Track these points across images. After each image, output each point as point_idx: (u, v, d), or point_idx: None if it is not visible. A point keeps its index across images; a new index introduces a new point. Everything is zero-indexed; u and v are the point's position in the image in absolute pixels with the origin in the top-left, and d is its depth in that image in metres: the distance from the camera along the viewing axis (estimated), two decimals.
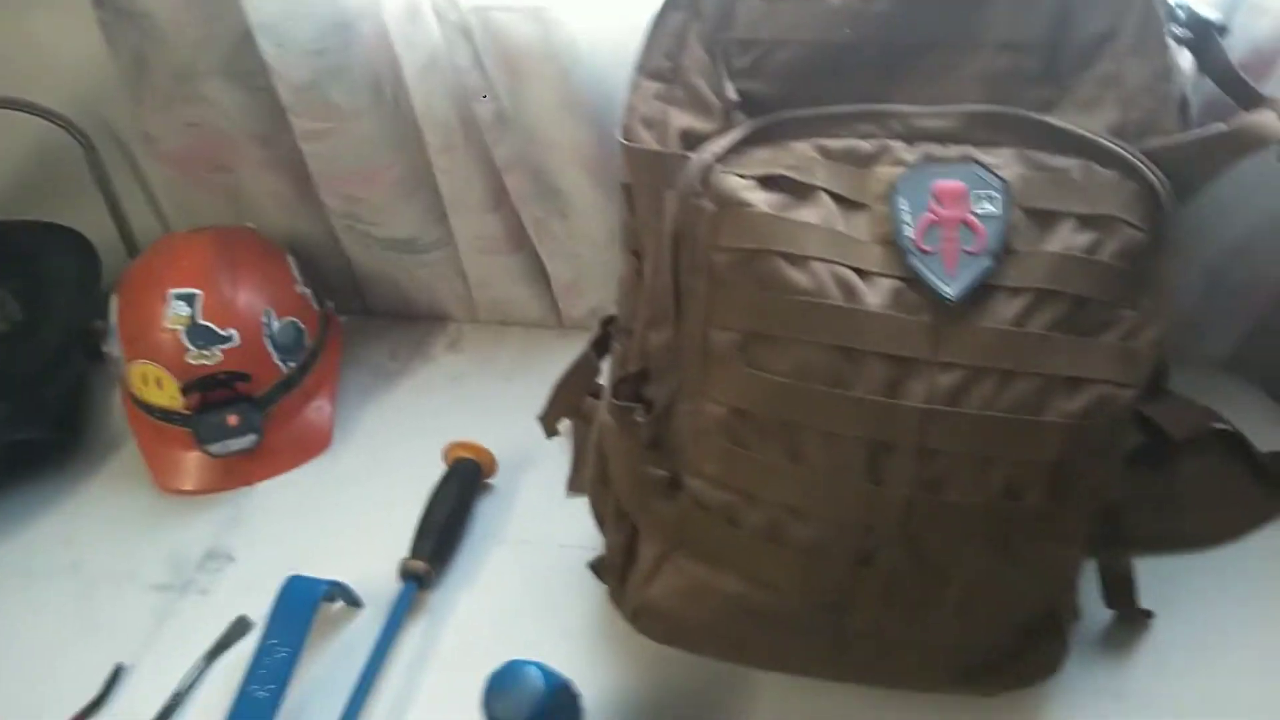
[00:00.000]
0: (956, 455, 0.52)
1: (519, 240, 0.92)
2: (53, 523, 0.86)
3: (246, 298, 0.86)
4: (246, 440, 0.84)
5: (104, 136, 0.99)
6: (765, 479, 0.55)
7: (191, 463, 0.86)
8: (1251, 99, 0.60)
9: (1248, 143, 0.54)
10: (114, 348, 0.88)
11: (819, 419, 0.52)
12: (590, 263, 0.91)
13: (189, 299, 0.84)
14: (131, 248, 1.05)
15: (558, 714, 0.57)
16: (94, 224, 1.00)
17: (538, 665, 0.56)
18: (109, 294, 0.91)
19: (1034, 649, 0.60)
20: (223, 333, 0.83)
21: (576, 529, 0.75)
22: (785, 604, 0.56)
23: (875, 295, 0.52)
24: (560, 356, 0.78)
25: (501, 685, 0.55)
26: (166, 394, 0.84)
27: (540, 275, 0.96)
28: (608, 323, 0.71)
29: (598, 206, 0.85)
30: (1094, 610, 0.69)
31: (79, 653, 0.75)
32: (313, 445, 0.90)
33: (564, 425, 0.83)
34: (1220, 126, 0.54)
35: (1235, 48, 0.67)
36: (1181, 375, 0.76)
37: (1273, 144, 0.54)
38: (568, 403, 0.77)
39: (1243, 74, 0.62)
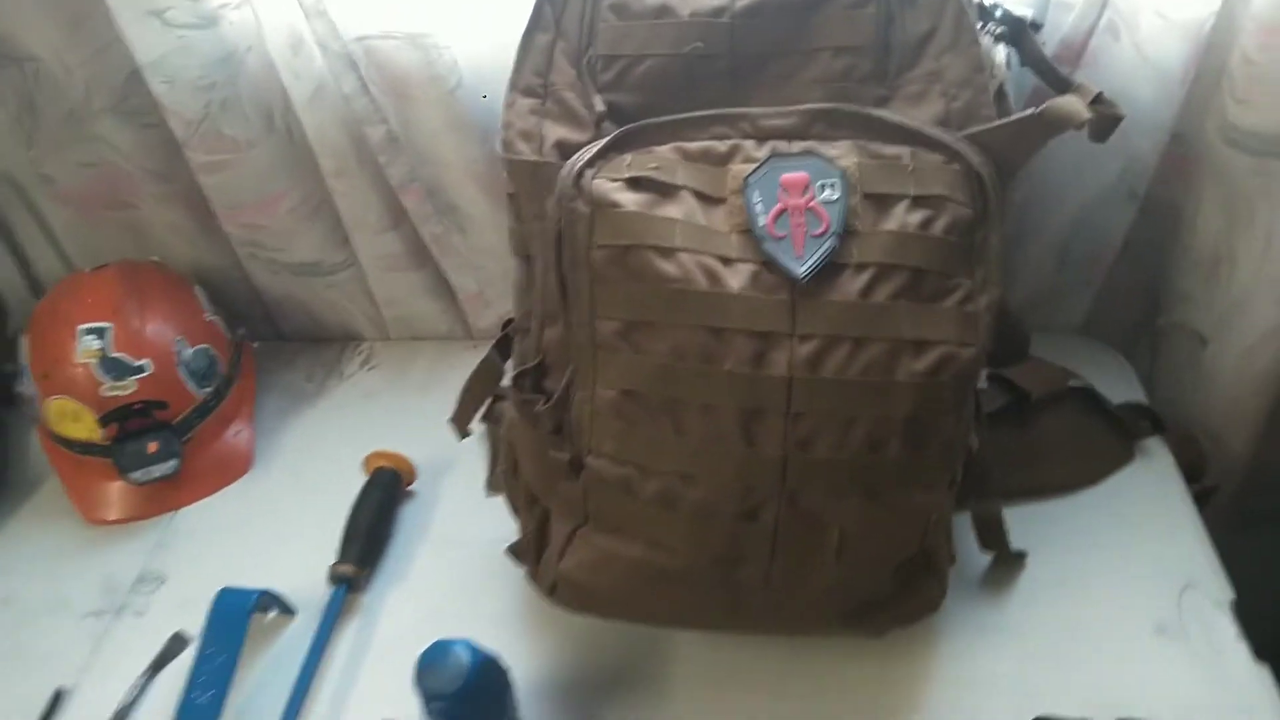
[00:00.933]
0: (820, 416, 0.58)
1: (421, 257, 0.96)
2: None
3: (156, 328, 0.88)
4: (168, 466, 0.87)
5: (0, 181, 1.00)
6: (655, 451, 0.60)
7: (114, 493, 0.88)
8: (1063, 85, 0.68)
9: (1055, 124, 0.61)
10: (27, 387, 0.89)
11: (696, 393, 0.58)
12: (493, 273, 0.96)
13: (99, 332, 0.86)
14: (37, 290, 1.06)
15: (487, 685, 0.62)
16: None
17: (465, 642, 0.61)
18: (15, 338, 0.92)
19: (913, 589, 0.66)
20: (136, 363, 0.86)
21: (497, 525, 0.79)
22: (682, 563, 0.61)
23: (736, 279, 0.58)
24: (472, 367, 0.82)
25: (431, 662, 0.60)
26: (85, 427, 0.86)
27: (445, 290, 1.00)
28: (507, 324, 0.76)
29: (494, 219, 0.90)
30: (974, 556, 0.76)
31: (17, 682, 0.77)
32: (234, 468, 0.92)
33: (479, 430, 0.88)
34: (1030, 111, 0.61)
35: (1049, 40, 0.75)
36: (1042, 341, 0.84)
37: (1076, 123, 0.61)
38: (475, 403, 0.81)
39: (1055, 64, 0.70)
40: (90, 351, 0.85)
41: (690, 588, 0.63)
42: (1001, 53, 0.67)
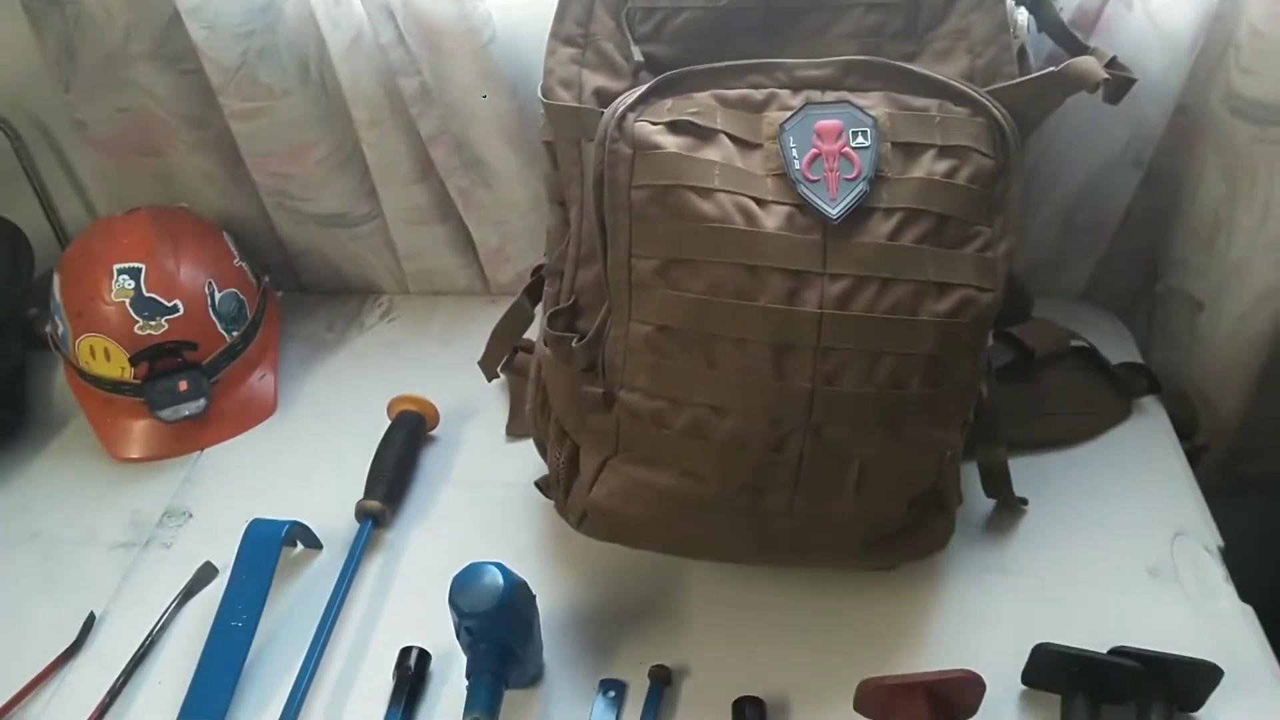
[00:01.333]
0: (848, 351, 0.61)
1: (446, 210, 0.98)
2: (6, 497, 0.89)
3: (188, 271, 0.90)
4: (197, 405, 0.89)
5: (30, 126, 1.01)
6: (688, 384, 0.63)
7: (141, 431, 0.91)
8: (1079, 49, 0.71)
9: (1073, 82, 0.64)
10: (58, 326, 0.91)
11: (730, 328, 0.61)
12: (515, 229, 0.98)
13: (133, 273, 0.88)
14: (61, 236, 1.08)
15: (516, 607, 0.65)
16: (22, 213, 1.03)
17: (497, 564, 0.64)
18: (42, 280, 0.94)
19: (925, 525, 0.70)
20: (168, 304, 0.88)
21: (518, 469, 0.82)
22: (711, 490, 0.64)
23: (772, 220, 0.60)
24: (491, 322, 0.85)
25: (466, 582, 0.63)
26: (115, 365, 0.88)
27: (467, 244, 1.02)
28: (538, 270, 0.78)
29: (520, 175, 0.92)
30: (980, 503, 0.80)
31: (49, 608, 0.79)
32: (259, 411, 0.95)
33: (500, 379, 0.90)
34: (1051, 70, 0.64)
35: (1066, 7, 0.78)
36: (1043, 306, 0.88)
37: (1093, 83, 0.64)
38: (505, 346, 0.84)
39: (1072, 29, 0.73)
40: (124, 291, 0.87)
41: (717, 515, 0.66)
42: (1023, 15, 0.70)
